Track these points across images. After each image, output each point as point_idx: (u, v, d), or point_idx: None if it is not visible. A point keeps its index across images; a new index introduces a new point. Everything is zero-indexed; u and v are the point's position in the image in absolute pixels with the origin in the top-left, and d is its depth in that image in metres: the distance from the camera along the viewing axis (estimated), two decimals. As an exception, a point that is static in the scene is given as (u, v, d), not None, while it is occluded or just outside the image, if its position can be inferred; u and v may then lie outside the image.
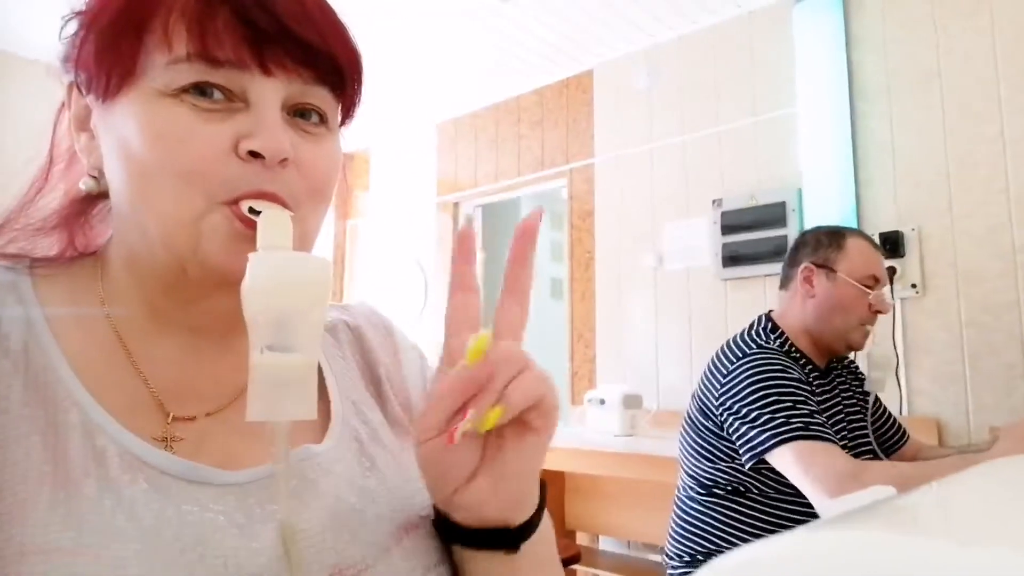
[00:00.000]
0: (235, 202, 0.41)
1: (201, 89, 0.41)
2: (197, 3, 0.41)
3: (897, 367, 2.25)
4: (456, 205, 3.85)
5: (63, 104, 0.48)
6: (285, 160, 0.42)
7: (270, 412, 0.37)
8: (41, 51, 2.86)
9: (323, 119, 0.46)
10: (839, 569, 0.13)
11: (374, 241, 4.24)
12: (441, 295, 3.80)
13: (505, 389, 0.40)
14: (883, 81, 2.45)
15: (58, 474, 0.39)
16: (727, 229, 2.72)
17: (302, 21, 0.43)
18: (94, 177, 0.47)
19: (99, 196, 0.49)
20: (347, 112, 0.49)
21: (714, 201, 2.78)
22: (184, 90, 0.41)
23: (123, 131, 0.42)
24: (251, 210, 0.41)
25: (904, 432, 1.66)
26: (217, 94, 0.42)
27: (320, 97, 0.45)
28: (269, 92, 0.42)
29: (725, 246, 2.71)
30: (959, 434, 2.18)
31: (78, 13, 0.44)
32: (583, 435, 2.65)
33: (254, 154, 0.41)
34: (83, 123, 0.46)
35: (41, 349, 0.43)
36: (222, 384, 0.48)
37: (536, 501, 0.46)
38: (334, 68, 0.45)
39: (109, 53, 0.42)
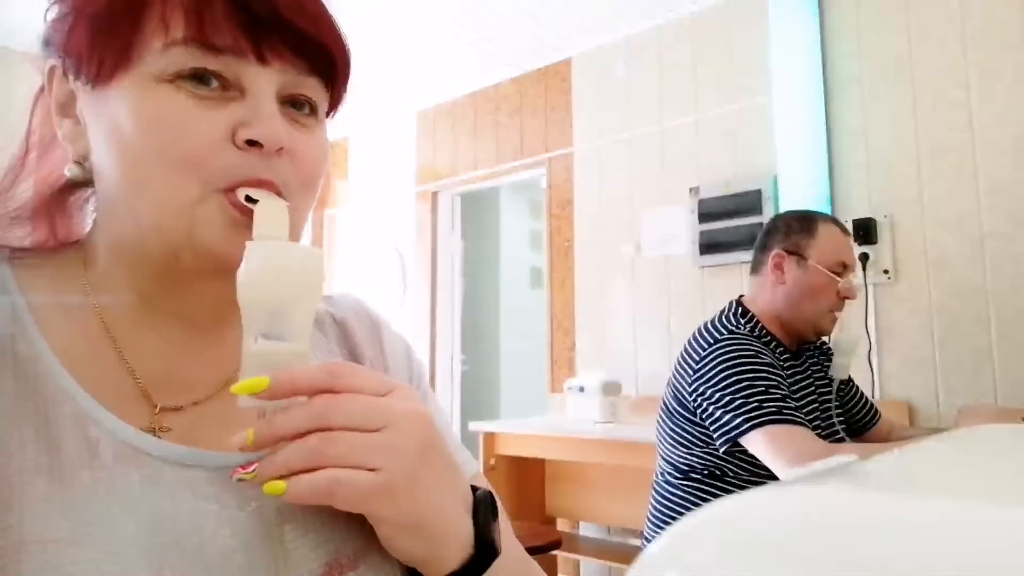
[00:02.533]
0: (231, 190, 0.42)
1: (198, 76, 0.41)
2: None
3: (869, 351, 2.29)
4: (435, 194, 3.84)
5: (41, 89, 0.47)
6: (281, 149, 0.43)
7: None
8: (11, 37, 2.79)
9: (313, 109, 0.46)
10: (801, 522, 0.14)
11: (353, 230, 4.21)
12: (420, 283, 3.80)
13: (306, 462, 0.37)
14: (856, 70, 2.48)
15: (53, 466, 0.39)
16: (704, 217, 2.74)
17: (298, 11, 0.43)
18: (79, 164, 0.46)
19: (78, 184, 0.48)
20: (334, 103, 0.49)
21: (691, 189, 2.80)
22: (180, 76, 0.41)
23: (117, 117, 0.42)
24: (248, 198, 0.41)
25: (876, 412, 1.70)
26: (213, 82, 0.42)
27: (312, 87, 0.46)
28: (265, 81, 0.43)
29: (702, 234, 2.74)
30: (929, 416, 2.24)
31: None
32: (563, 423, 2.68)
33: (251, 143, 0.42)
34: (66, 109, 0.45)
35: (28, 340, 0.42)
36: (209, 374, 0.48)
37: (454, 558, 0.41)
38: (327, 59, 0.45)
39: (103, 37, 0.41)
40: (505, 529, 0.47)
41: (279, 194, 0.43)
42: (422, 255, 3.83)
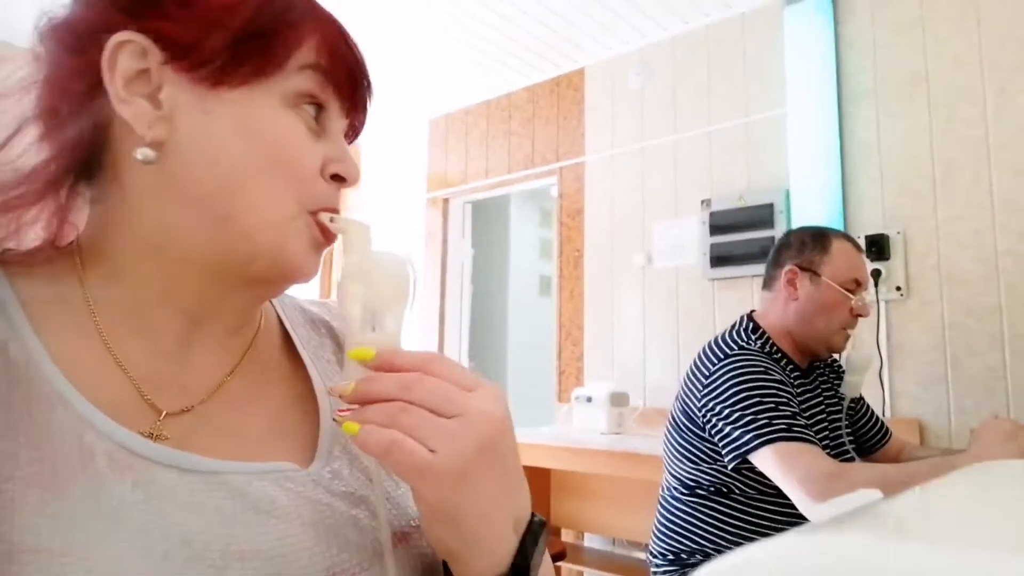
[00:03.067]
0: (314, 213, 0.48)
1: (313, 108, 0.48)
2: (331, 33, 0.48)
3: (881, 369, 2.27)
4: (446, 201, 3.85)
5: (81, 60, 0.44)
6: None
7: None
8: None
9: None
10: (830, 574, 0.14)
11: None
12: (430, 290, 3.80)
13: (379, 417, 0.41)
14: (871, 84, 2.47)
15: (45, 474, 0.38)
16: (715, 229, 2.73)
17: (368, 78, 0.52)
18: (151, 148, 0.44)
19: (78, 179, 0.47)
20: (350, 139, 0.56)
21: (703, 201, 2.79)
22: (302, 102, 0.47)
23: (234, 123, 0.44)
24: (331, 220, 0.48)
25: (887, 431, 1.68)
26: (318, 119, 0.48)
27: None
28: (340, 126, 0.51)
29: (713, 246, 2.73)
30: (940, 435, 2.21)
31: None
32: (570, 433, 2.67)
33: (336, 177, 0.49)
34: (136, 87, 0.44)
35: (22, 345, 0.42)
36: (204, 378, 0.48)
37: (486, 569, 0.42)
38: (367, 115, 0.53)
39: (251, 48, 0.44)
40: (545, 563, 0.48)
41: None
42: (432, 262, 3.83)
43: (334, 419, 0.43)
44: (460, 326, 3.83)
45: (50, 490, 0.38)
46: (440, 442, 0.40)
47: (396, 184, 4.06)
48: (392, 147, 4.10)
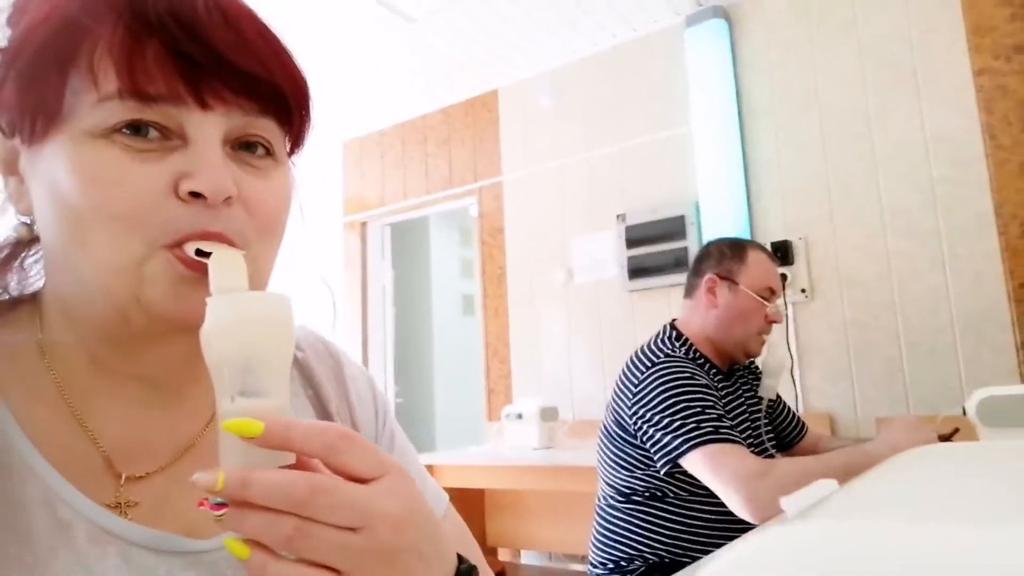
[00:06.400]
0: (178, 245, 0.39)
1: (135, 127, 0.39)
2: (125, 37, 0.38)
3: (792, 367, 2.40)
4: (364, 225, 3.80)
5: None
6: (229, 199, 0.40)
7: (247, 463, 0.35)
8: None
9: (269, 151, 0.44)
10: (818, 557, 0.15)
11: (278, 263, 4.09)
12: (351, 316, 3.73)
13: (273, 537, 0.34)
14: (768, 101, 2.63)
15: (25, 556, 0.36)
16: (631, 243, 2.82)
17: (240, 50, 0.41)
18: (26, 224, 0.44)
19: (31, 241, 0.46)
20: (296, 141, 0.48)
21: (618, 216, 2.88)
22: (115, 130, 0.38)
23: (53, 175, 0.39)
24: (198, 252, 0.39)
25: (803, 425, 1.78)
26: (152, 132, 0.39)
27: (265, 128, 0.43)
28: (208, 127, 0.40)
29: (630, 259, 2.82)
30: (849, 425, 2.36)
31: (1, 51, 0.40)
32: (502, 451, 2.67)
33: (195, 194, 0.39)
34: (11, 167, 0.43)
35: None
36: (174, 437, 0.45)
37: None
38: (277, 97, 0.43)
39: (31, 94, 0.39)
40: None
41: (232, 245, 0.40)
42: (351, 287, 3.76)
43: (215, 518, 0.35)
44: (384, 350, 3.76)
45: (31, 573, 0.36)
46: (348, 562, 0.35)
47: (311, 209, 3.96)
48: (305, 171, 4.00)
